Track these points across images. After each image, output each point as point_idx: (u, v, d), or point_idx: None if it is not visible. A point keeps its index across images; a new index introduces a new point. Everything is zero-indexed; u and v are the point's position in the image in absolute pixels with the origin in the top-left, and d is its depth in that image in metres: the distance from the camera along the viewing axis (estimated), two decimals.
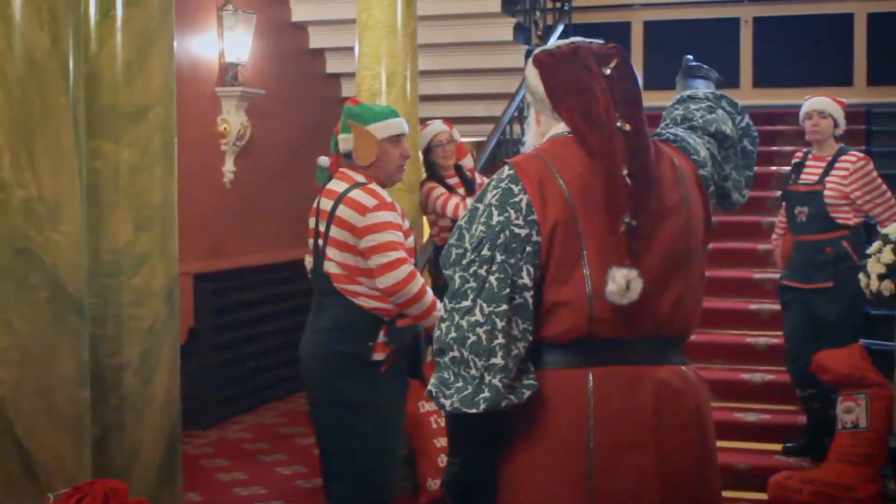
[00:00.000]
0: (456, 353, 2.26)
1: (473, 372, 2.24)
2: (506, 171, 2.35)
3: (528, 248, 2.27)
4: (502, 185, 2.33)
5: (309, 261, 5.79)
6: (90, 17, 3.57)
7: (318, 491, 5.83)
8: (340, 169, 4.27)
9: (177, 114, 3.88)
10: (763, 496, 5.59)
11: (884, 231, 5.14)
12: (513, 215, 2.28)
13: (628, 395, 2.30)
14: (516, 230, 2.27)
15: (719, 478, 2.49)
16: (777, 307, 6.39)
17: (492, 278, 2.26)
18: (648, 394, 2.31)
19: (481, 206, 2.33)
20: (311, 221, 4.16)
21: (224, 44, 7.69)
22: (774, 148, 9.16)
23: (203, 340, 7.28)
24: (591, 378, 2.30)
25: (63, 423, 3.21)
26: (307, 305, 8.49)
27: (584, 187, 2.30)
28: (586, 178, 2.31)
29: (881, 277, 5.01)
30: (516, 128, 8.40)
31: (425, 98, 6.91)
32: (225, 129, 7.74)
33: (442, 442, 5.74)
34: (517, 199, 2.29)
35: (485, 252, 2.27)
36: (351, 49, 6.24)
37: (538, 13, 9.63)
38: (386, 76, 6.00)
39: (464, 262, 2.29)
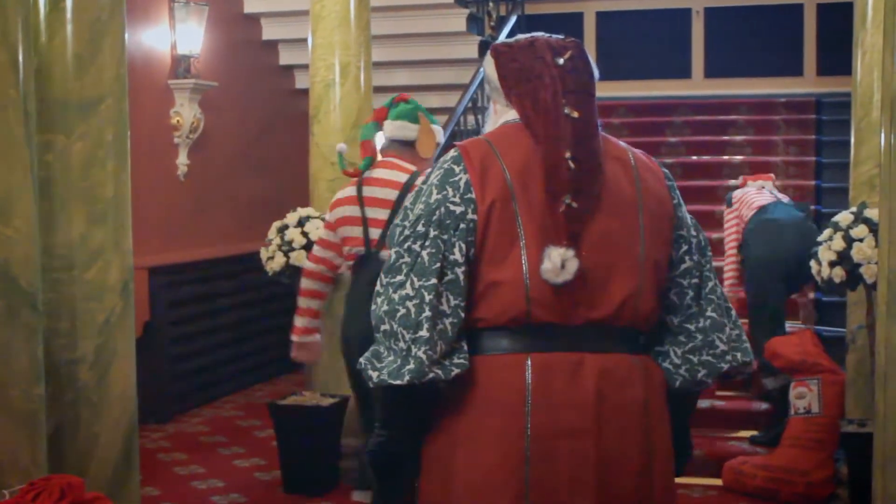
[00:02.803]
0: (387, 326, 2.29)
1: (402, 345, 2.27)
2: (451, 153, 2.40)
3: (462, 226, 2.30)
4: (445, 165, 2.38)
5: (266, 252, 5.80)
6: (39, 8, 3.53)
7: (276, 483, 5.83)
8: (387, 158, 4.38)
9: (129, 107, 3.86)
10: (717, 482, 5.65)
11: (834, 219, 5.20)
12: (450, 193, 2.32)
13: (569, 382, 2.31)
14: (451, 207, 2.31)
15: (671, 470, 2.49)
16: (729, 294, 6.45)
17: (424, 253, 2.30)
18: (590, 381, 2.31)
19: (425, 187, 2.38)
20: (349, 209, 4.22)
21: (176, 36, 7.64)
22: (726, 138, 9.26)
23: (159, 334, 7.24)
24: (529, 364, 2.31)
25: (18, 419, 3.18)
26: (263, 298, 8.46)
27: (524, 169, 2.34)
28: (528, 161, 2.34)
29: (832, 264, 5.07)
30: (470, 118, 8.42)
31: (379, 89, 6.89)
32: (178, 121, 7.70)
33: None
34: (457, 179, 2.34)
35: (420, 228, 2.32)
36: (304, 41, 6.23)
37: (491, 4, 9.64)
38: (339, 67, 6.00)
39: (400, 238, 2.33)
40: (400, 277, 2.30)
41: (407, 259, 2.31)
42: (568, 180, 2.31)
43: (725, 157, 8.93)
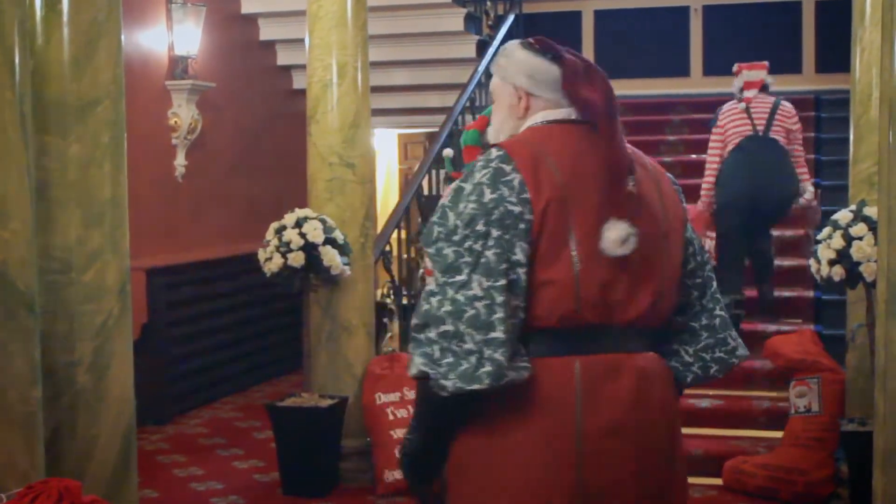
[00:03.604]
0: (449, 327, 2.25)
1: (469, 346, 2.24)
2: (495, 152, 2.38)
3: (522, 226, 2.30)
4: (492, 164, 2.35)
5: (264, 254, 5.79)
6: (35, 10, 3.52)
7: (275, 484, 5.82)
8: None
9: (127, 108, 3.84)
10: (718, 481, 5.64)
11: (833, 217, 5.19)
12: (506, 192, 2.31)
13: (613, 383, 2.35)
14: (510, 207, 2.30)
15: (685, 464, 2.58)
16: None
17: (488, 253, 2.28)
18: (630, 380, 2.37)
19: (468, 186, 2.35)
20: None
21: (173, 37, 7.64)
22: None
23: (158, 335, 7.23)
24: (577, 366, 2.34)
25: (15, 422, 3.17)
26: (261, 299, 8.46)
27: (574, 169, 2.35)
28: (578, 160, 2.37)
29: (831, 263, 5.06)
30: (469, 118, 8.41)
31: (377, 89, 6.90)
32: (176, 122, 7.69)
33: (399, 433, 5.74)
34: (510, 178, 2.32)
35: (479, 227, 2.29)
36: (301, 41, 6.22)
37: (489, 3, 9.65)
38: (337, 67, 5.98)
39: (455, 237, 2.30)
40: (461, 277, 2.28)
41: (468, 259, 2.28)
42: (629, 167, 2.39)
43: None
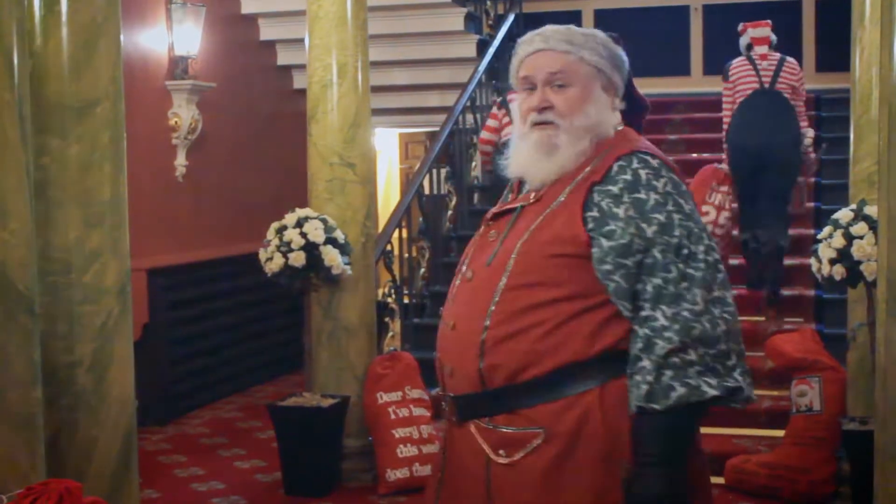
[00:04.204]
0: (724, 346, 2.26)
1: (731, 362, 2.27)
2: (653, 161, 2.39)
3: None
4: (664, 174, 2.37)
5: (264, 254, 5.78)
6: (34, 11, 3.52)
7: (277, 484, 5.82)
8: None
9: (127, 108, 3.84)
10: (720, 480, 5.63)
11: (833, 216, 5.18)
12: (693, 204, 2.38)
13: None
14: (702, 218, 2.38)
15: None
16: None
17: (720, 266, 2.33)
18: None
19: (658, 196, 2.33)
20: None
21: (173, 37, 7.63)
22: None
23: (158, 335, 7.22)
24: None
25: (15, 423, 3.16)
26: (262, 299, 8.47)
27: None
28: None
29: (832, 262, 5.06)
30: (469, 117, 8.41)
31: (377, 89, 6.90)
32: (176, 122, 7.69)
33: (401, 433, 5.74)
34: (685, 190, 2.39)
35: (708, 241, 2.33)
36: (302, 41, 6.22)
37: (489, 2, 9.65)
38: (337, 67, 5.98)
39: (704, 255, 2.30)
40: (720, 293, 2.30)
41: (720, 276, 2.31)
42: None
43: (723, 155, 8.89)
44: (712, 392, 2.24)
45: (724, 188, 7.08)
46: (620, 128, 2.50)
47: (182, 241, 7.83)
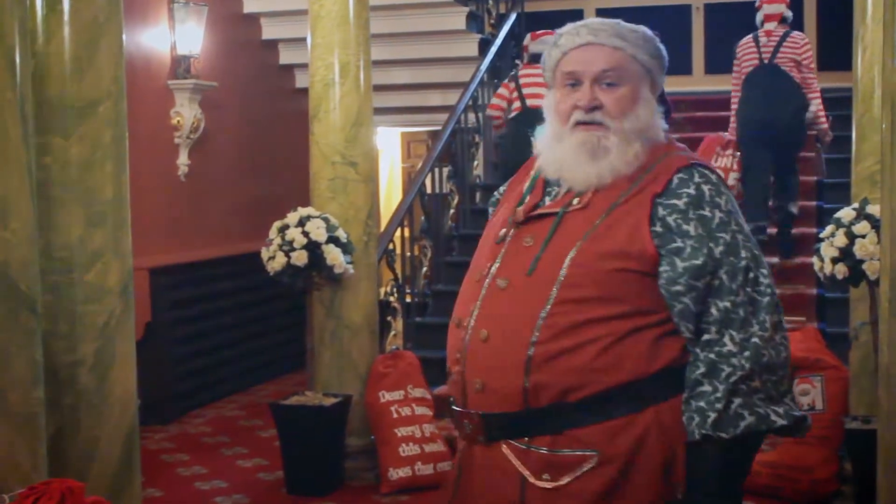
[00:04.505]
0: (783, 373, 2.20)
1: (784, 388, 2.20)
2: (713, 176, 2.28)
3: None
4: (731, 194, 2.30)
5: (267, 252, 5.78)
6: (36, 11, 3.52)
7: (280, 483, 5.83)
8: None
9: (129, 107, 3.84)
10: None
11: (836, 215, 5.18)
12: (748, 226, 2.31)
13: None
14: None
15: None
16: None
17: (776, 291, 2.26)
18: None
19: (721, 213, 2.23)
20: None
21: (175, 36, 7.63)
22: (726, 134, 9.23)
23: (161, 335, 7.23)
24: None
25: (17, 423, 3.16)
26: (264, 298, 8.46)
27: None
28: None
29: (834, 261, 5.05)
30: (471, 116, 8.41)
31: (379, 88, 6.89)
32: (178, 122, 7.69)
33: (403, 432, 5.75)
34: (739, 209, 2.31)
35: (766, 265, 2.26)
36: (304, 40, 6.23)
37: (490, 1, 9.64)
38: (339, 67, 5.99)
39: (766, 279, 2.23)
40: (783, 318, 2.23)
41: (777, 300, 2.24)
42: None
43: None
44: (780, 421, 2.16)
45: (729, 151, 7.42)
46: (670, 134, 2.37)
47: (184, 241, 7.83)
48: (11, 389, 3.16)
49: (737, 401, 2.13)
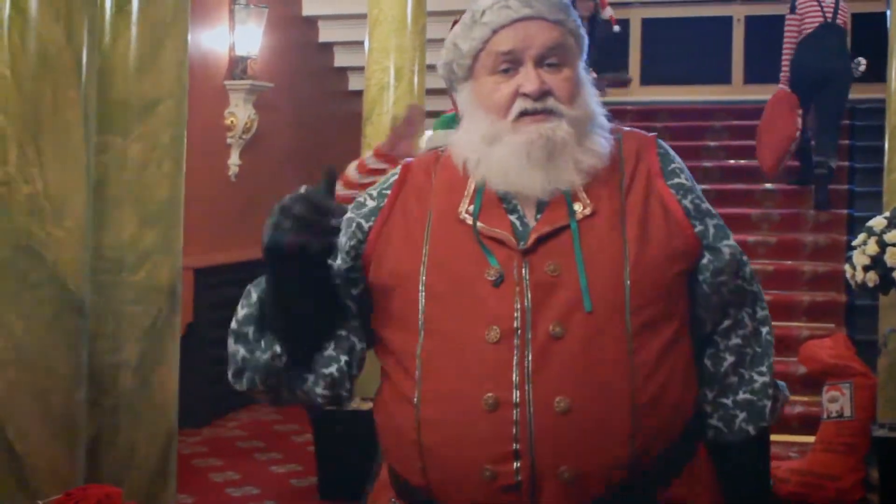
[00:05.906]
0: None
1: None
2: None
3: None
4: None
5: None
6: (105, 10, 3.51)
7: (312, 490, 5.76)
8: None
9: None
10: None
11: (867, 224, 5.17)
12: None
13: None
14: None
15: None
16: None
17: None
18: None
19: None
20: None
21: (235, 37, 7.65)
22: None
23: (201, 336, 7.17)
24: None
25: (57, 426, 3.12)
26: None
27: None
28: None
29: (865, 269, 5.03)
30: None
31: (432, 91, 6.89)
32: (231, 122, 7.69)
33: None
34: None
35: None
36: (359, 43, 6.24)
37: None
38: (394, 70, 6.02)
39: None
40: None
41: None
42: None
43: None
44: (786, 392, 2.00)
45: (799, 111, 8.12)
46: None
47: (230, 241, 7.81)
48: (54, 391, 3.12)
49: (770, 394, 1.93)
